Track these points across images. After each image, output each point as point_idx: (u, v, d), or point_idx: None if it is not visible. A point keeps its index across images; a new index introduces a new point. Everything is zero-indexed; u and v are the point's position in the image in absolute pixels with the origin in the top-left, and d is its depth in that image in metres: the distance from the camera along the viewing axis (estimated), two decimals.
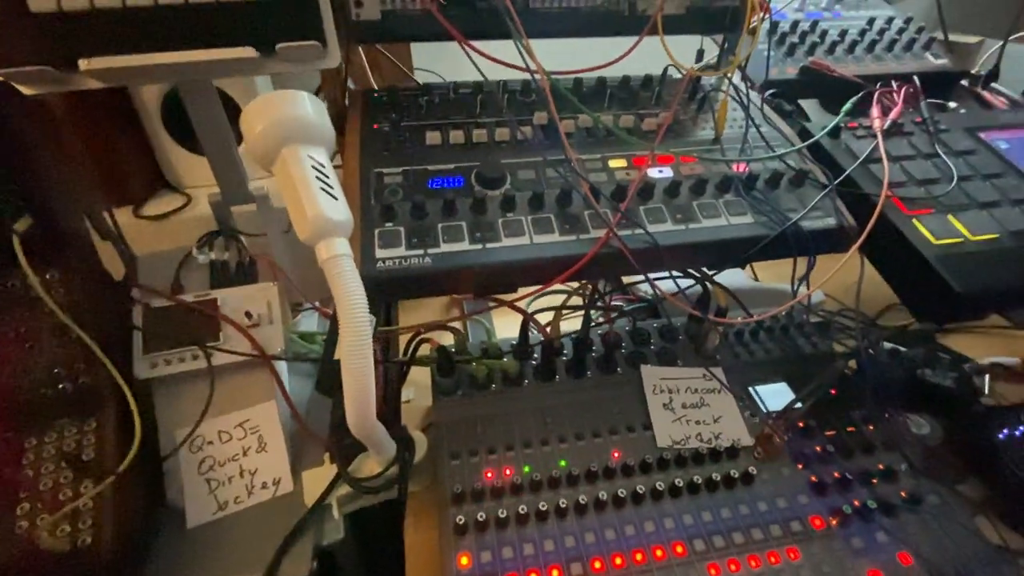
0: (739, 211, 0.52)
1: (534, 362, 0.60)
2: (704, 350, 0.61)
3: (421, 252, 0.46)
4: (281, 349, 0.54)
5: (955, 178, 0.55)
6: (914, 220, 0.51)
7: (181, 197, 0.88)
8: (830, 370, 0.57)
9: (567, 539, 0.45)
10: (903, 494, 0.48)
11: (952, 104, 0.73)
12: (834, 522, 0.46)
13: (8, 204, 0.44)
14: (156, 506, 0.48)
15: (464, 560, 0.43)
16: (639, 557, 0.43)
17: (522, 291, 0.51)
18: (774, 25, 0.80)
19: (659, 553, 0.44)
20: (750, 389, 0.57)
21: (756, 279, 0.82)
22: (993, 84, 0.77)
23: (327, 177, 0.39)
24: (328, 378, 0.55)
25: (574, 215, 0.50)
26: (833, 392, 0.57)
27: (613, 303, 0.65)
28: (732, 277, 0.77)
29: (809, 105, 0.77)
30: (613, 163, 0.55)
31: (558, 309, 0.60)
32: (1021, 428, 0.54)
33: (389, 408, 0.58)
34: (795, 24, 0.81)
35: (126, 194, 0.89)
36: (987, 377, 0.64)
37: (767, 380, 0.58)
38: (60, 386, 0.45)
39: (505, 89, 0.62)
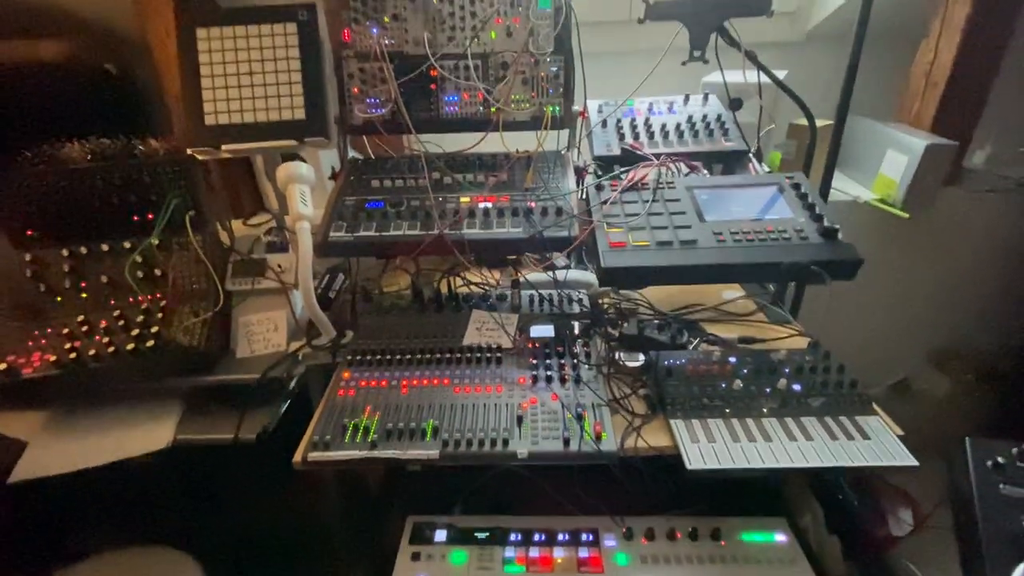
0: (516, 226, 0.98)
1: (417, 303, 1.09)
2: (514, 306, 1.06)
3: (351, 234, 0.98)
4: (292, 284, 1.08)
5: (645, 213, 0.97)
6: (607, 233, 0.94)
7: (268, 215, 1.49)
8: (575, 320, 1.00)
9: (398, 372, 0.92)
10: (575, 372, 0.90)
11: (705, 172, 1.13)
12: (530, 381, 0.89)
13: (187, 203, 1.03)
14: (225, 347, 1.03)
15: (346, 374, 0.92)
16: (425, 382, 0.90)
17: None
18: (618, 120, 1.26)
19: (436, 382, 0.90)
20: (530, 326, 1.01)
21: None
22: (753, 159, 1.15)
23: (305, 197, 0.93)
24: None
25: (430, 222, 0.99)
26: (576, 333, 0.99)
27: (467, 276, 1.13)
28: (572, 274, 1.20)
29: None
30: (463, 199, 1.04)
31: (443, 276, 1.09)
32: (675, 360, 0.93)
33: (344, 318, 1.09)
34: (633, 119, 1.26)
35: (241, 211, 1.53)
36: (697, 340, 1.02)
37: (542, 323, 1.02)
38: (196, 285, 1.02)
39: (420, 159, 1.13)
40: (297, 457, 0.80)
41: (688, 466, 0.75)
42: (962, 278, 1.53)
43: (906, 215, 1.37)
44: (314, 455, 0.79)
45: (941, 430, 1.11)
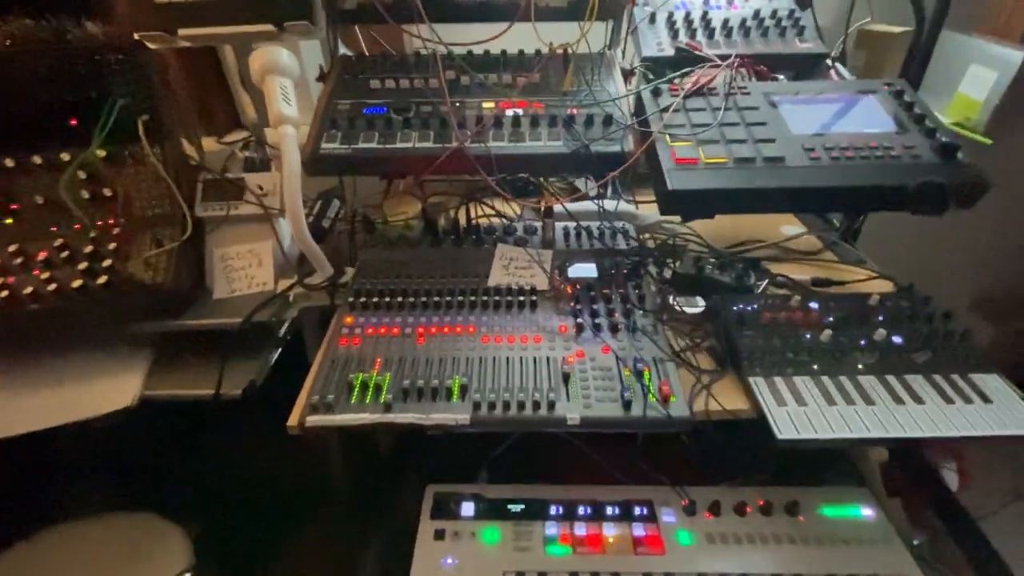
0: (555, 139, 0.79)
1: (429, 235, 0.91)
2: (546, 241, 0.88)
3: (346, 146, 0.78)
4: (277, 209, 0.89)
5: (718, 124, 0.78)
6: (672, 147, 0.75)
7: (245, 132, 1.27)
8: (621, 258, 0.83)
9: (411, 318, 0.75)
10: (628, 319, 0.74)
11: (780, 77, 0.92)
12: (573, 330, 0.73)
13: (138, 104, 0.81)
14: (198, 285, 0.85)
15: (348, 320, 0.75)
16: (446, 330, 0.73)
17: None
18: (670, 14, 1.03)
19: (459, 330, 0.73)
20: (567, 264, 0.84)
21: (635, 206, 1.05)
22: (836, 64, 0.95)
23: (287, 92, 0.72)
24: None
25: (446, 133, 0.79)
26: (625, 272, 0.82)
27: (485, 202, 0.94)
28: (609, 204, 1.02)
29: None
30: (486, 104, 0.83)
31: (462, 203, 0.91)
32: (745, 305, 0.77)
33: (342, 252, 0.91)
34: (688, 13, 1.03)
35: (215, 129, 1.29)
36: (765, 282, 0.86)
37: (582, 261, 0.85)
38: (157, 209, 0.82)
39: (431, 55, 0.91)
40: (292, 421, 0.65)
41: (779, 435, 0.61)
42: None
43: (988, 142, 1.19)
44: (313, 419, 0.63)
45: None
